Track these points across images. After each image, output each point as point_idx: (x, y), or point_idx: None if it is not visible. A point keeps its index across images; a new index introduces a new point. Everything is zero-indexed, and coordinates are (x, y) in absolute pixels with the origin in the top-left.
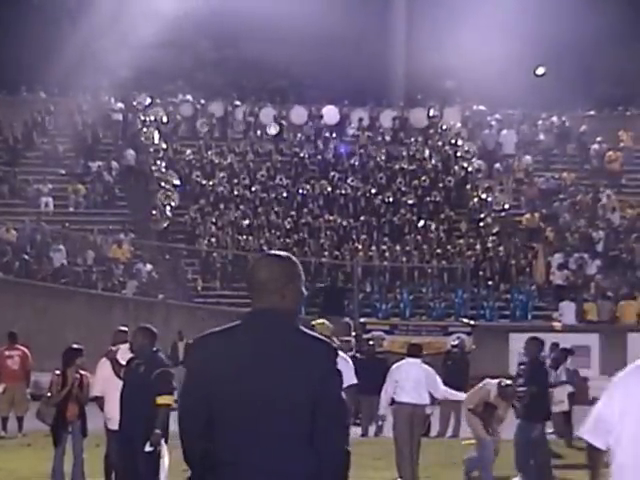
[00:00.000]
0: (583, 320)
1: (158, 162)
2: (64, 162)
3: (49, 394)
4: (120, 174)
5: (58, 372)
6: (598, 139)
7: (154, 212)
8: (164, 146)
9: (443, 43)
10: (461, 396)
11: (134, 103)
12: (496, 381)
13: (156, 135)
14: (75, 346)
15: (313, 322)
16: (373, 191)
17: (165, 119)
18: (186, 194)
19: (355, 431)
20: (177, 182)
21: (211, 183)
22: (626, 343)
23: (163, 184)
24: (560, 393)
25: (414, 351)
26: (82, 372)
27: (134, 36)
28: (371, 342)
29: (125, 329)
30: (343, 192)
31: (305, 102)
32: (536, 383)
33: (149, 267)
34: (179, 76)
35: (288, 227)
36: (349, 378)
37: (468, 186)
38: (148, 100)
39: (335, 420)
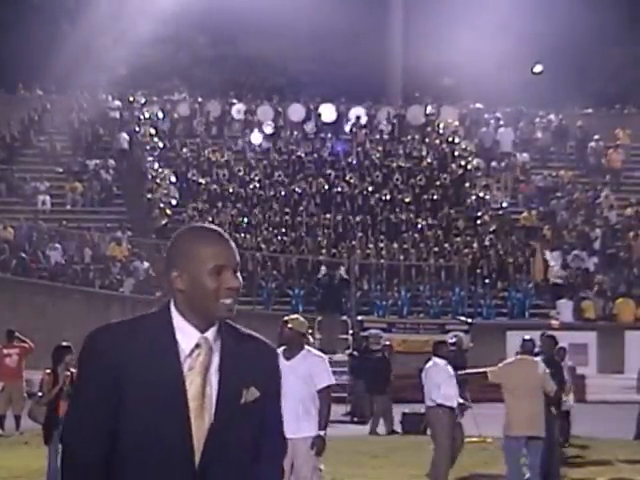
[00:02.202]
0: (580, 318)
1: (155, 160)
2: (61, 160)
3: (40, 393)
4: (118, 172)
5: (49, 371)
6: (595, 137)
7: (156, 210)
8: (161, 144)
9: (440, 41)
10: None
11: (130, 99)
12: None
13: (153, 133)
14: (64, 344)
15: (286, 317)
16: (370, 189)
17: (162, 117)
18: (183, 192)
19: (355, 429)
20: (173, 179)
21: (208, 181)
22: (623, 341)
23: (159, 181)
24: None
25: (433, 350)
26: (72, 369)
27: (131, 34)
28: (387, 342)
29: None
30: (340, 190)
31: (302, 100)
32: (554, 381)
33: (146, 265)
34: (176, 73)
35: (285, 225)
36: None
37: (465, 184)
38: (145, 98)
39: None
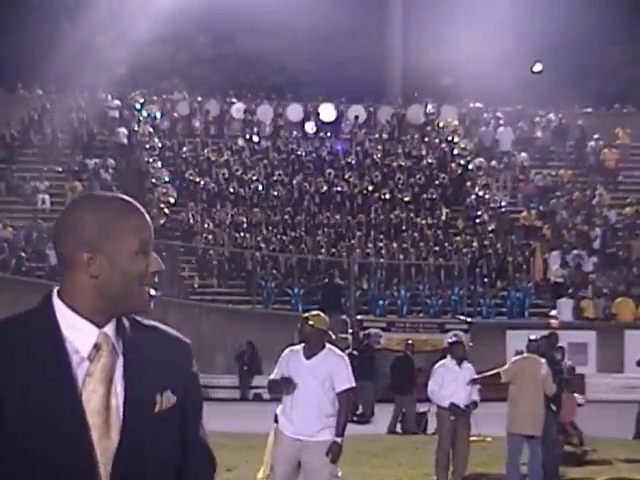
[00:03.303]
0: (580, 317)
1: (154, 159)
2: (61, 159)
3: None
4: (117, 171)
5: None
6: (595, 136)
7: (154, 210)
8: (160, 143)
9: (440, 40)
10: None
11: (130, 98)
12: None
13: (152, 132)
14: None
15: (307, 314)
16: (370, 188)
17: (161, 116)
18: (182, 191)
19: (355, 428)
20: (167, 178)
21: (207, 180)
22: (623, 340)
23: (154, 181)
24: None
25: (448, 350)
26: None
27: (131, 33)
28: (410, 342)
29: None
30: (340, 189)
31: (302, 99)
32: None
33: None
34: (175, 73)
35: (285, 224)
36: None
37: (465, 183)
38: (144, 97)
39: None
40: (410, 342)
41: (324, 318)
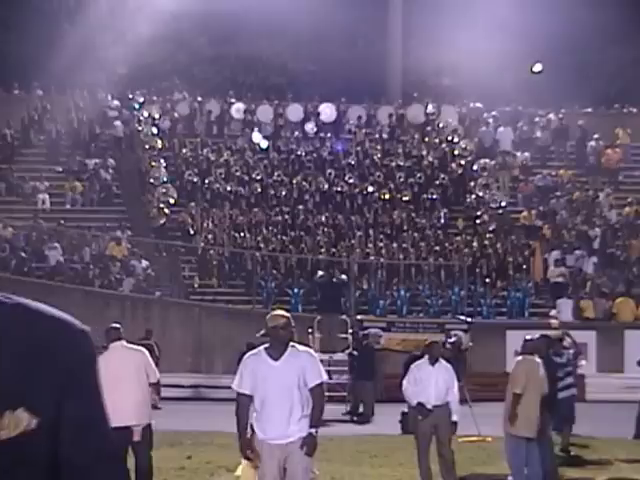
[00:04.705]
0: (580, 317)
1: (154, 159)
2: (61, 159)
3: None
4: (117, 171)
5: None
6: (595, 136)
7: (154, 209)
8: (160, 144)
9: (440, 40)
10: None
11: (130, 98)
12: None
13: (152, 132)
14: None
15: (273, 313)
16: (370, 188)
17: (161, 116)
18: (182, 191)
19: (355, 428)
20: (165, 178)
21: (207, 180)
22: (623, 340)
23: (154, 181)
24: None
25: (427, 349)
26: None
27: (131, 33)
28: (428, 342)
29: (117, 326)
30: (340, 189)
31: (302, 99)
32: (550, 382)
33: (145, 264)
34: (175, 73)
35: (285, 224)
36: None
37: (465, 183)
38: (144, 97)
39: None
40: (428, 342)
41: (279, 314)
